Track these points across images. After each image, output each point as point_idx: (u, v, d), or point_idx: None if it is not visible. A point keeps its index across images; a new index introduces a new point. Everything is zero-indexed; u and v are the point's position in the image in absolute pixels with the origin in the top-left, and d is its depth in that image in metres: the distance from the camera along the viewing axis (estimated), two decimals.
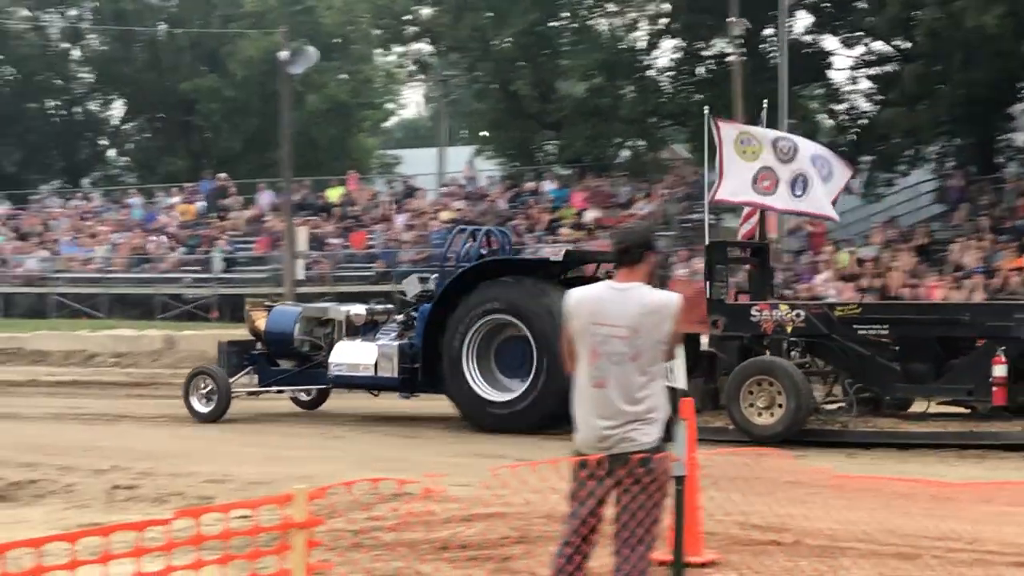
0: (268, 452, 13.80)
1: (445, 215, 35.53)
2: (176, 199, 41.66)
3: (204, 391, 16.60)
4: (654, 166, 37.55)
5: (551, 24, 39.45)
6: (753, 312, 14.68)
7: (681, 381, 7.08)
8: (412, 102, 67.16)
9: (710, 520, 8.46)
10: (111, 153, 57.13)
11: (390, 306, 17.83)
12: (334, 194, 38.89)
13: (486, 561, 8.01)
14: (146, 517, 9.55)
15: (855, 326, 14.28)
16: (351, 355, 16.35)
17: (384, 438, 14.96)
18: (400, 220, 36.41)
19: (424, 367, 15.80)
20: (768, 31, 36.02)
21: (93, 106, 55.09)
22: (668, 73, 39.20)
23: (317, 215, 37.73)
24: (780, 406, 13.73)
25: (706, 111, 16.10)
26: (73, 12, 51.91)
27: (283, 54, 34.01)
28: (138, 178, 51.91)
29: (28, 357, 27.65)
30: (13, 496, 10.73)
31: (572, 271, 16.37)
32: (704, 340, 15.05)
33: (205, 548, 4.29)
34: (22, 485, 11.14)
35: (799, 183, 15.48)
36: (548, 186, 36.30)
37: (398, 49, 43.78)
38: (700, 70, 38.49)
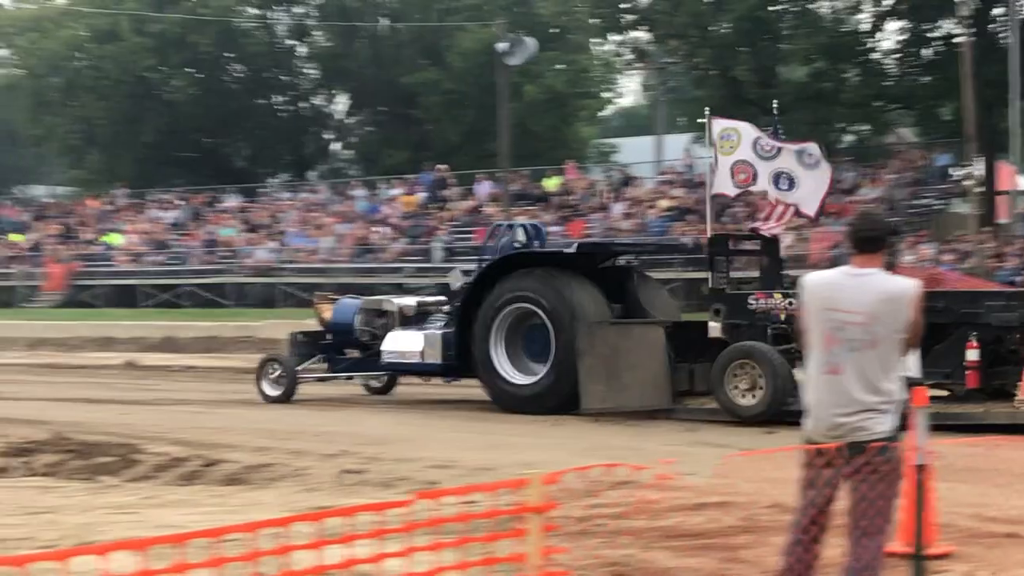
0: (490, 439, 13.94)
1: (663, 203, 35.35)
2: (398, 190, 42.47)
3: (273, 376, 17.83)
4: (879, 151, 36.69)
5: (771, 8, 38.88)
6: (751, 300, 15.37)
7: (915, 369, 6.94)
8: (629, 90, 66.97)
9: (943, 511, 8.20)
10: (336, 146, 58.60)
11: (441, 298, 18.55)
12: (551, 184, 39.08)
13: (713, 550, 7.92)
14: (373, 500, 9.76)
15: None
16: (401, 343, 17.39)
17: (605, 426, 14.93)
18: (617, 209, 36.37)
19: (459, 353, 16.76)
20: (998, 10, 34.79)
21: (318, 101, 56.56)
22: (893, 56, 38.23)
23: (535, 205, 37.97)
24: (761, 388, 14.55)
25: (706, 112, 17.28)
26: (299, 10, 53.33)
27: (502, 45, 34.32)
28: (361, 170, 53.10)
29: (259, 345, 28.51)
30: (248, 479, 11.06)
31: (605, 262, 17.33)
32: (715, 326, 15.60)
33: (442, 531, 4.35)
34: (256, 469, 11.47)
35: (783, 179, 16.15)
36: None
37: (615, 38, 43.74)
38: (927, 52, 37.44)
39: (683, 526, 8.47)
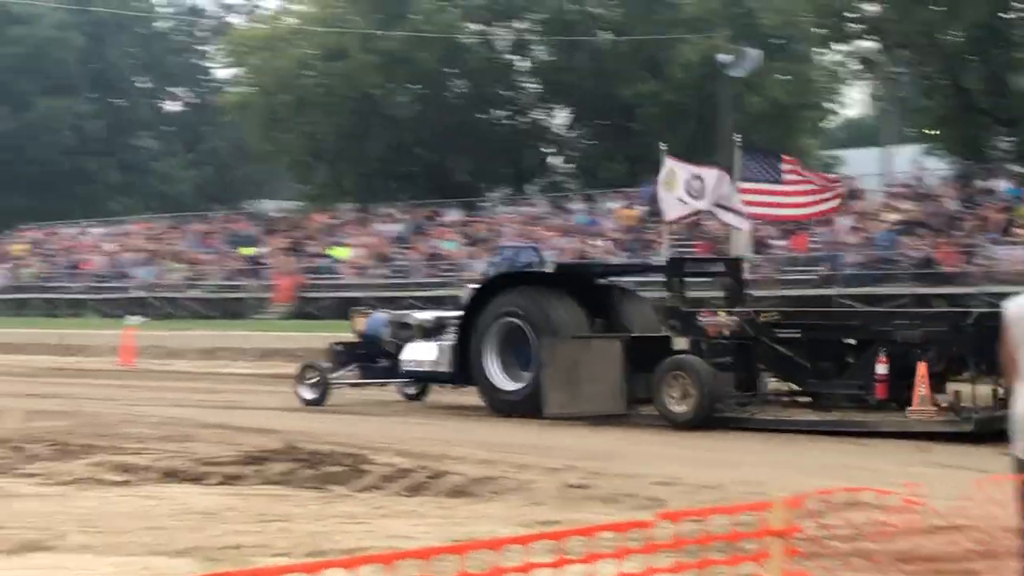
0: (715, 456, 13.77)
1: (891, 216, 34.50)
2: (617, 204, 42.45)
3: (311, 382, 19.47)
4: None
5: (1004, 16, 37.62)
6: (699, 318, 16.92)
7: None
8: (855, 101, 65.64)
9: None
10: (555, 160, 58.93)
11: (459, 312, 19.50)
12: None
13: (950, 575, 7.65)
14: (598, 516, 9.73)
15: (775, 329, 16.45)
16: (418, 353, 19.16)
17: (834, 445, 14.60)
18: (844, 222, 35.63)
19: (461, 363, 18.38)
20: None
21: (538, 115, 56.99)
22: None
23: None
24: (691, 396, 15.92)
25: (662, 147, 20.86)
26: (520, 25, 53.85)
27: (724, 57, 34.02)
28: (580, 183, 53.27)
29: None
30: (473, 492, 11.14)
31: (606, 279, 19.69)
32: (680, 341, 17.41)
33: (682, 551, 4.28)
34: (481, 481, 11.55)
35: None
36: (1002, 185, 34.60)
37: (840, 47, 42.93)
38: None
39: (919, 550, 8.19)
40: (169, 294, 47.04)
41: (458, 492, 11.10)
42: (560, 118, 57.17)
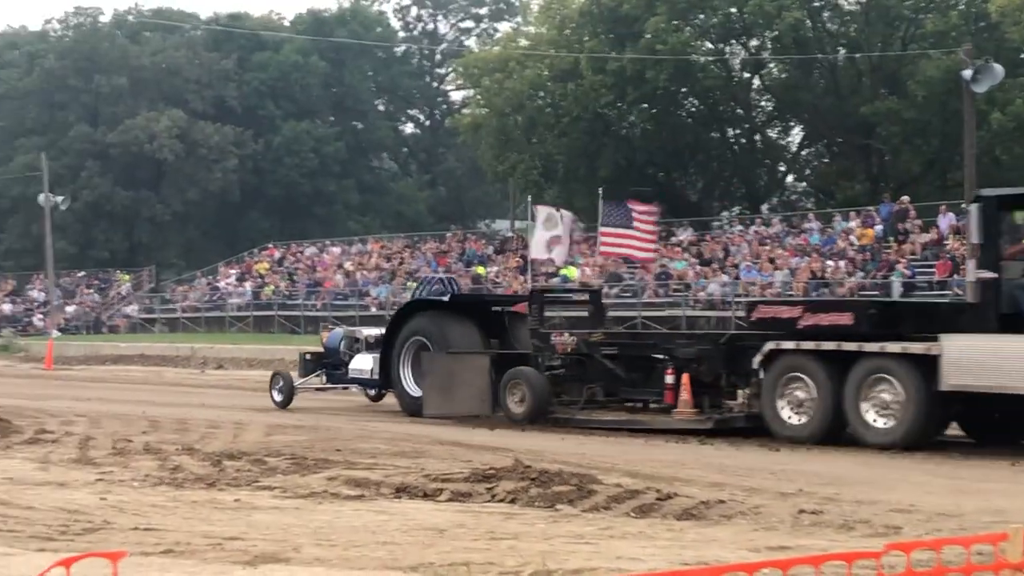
0: (957, 483, 13.32)
1: None
2: (854, 223, 41.55)
3: (279, 387, 23.26)
4: None
5: None
6: (552, 338, 20.29)
7: None
8: None
9: None
10: (789, 179, 58.06)
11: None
12: (1021, 216, 37.07)
13: None
14: (831, 543, 9.52)
15: (601, 347, 19.89)
16: (360, 363, 22.89)
17: None
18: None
19: (385, 372, 22.12)
20: None
21: (772, 133, 56.28)
22: None
23: (1002, 237, 36.07)
24: (524, 400, 19.61)
25: (528, 199, 22.54)
26: (754, 43, 53.32)
27: (967, 72, 33.01)
28: (815, 203, 52.34)
29: None
30: (703, 515, 11.03)
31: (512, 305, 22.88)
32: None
33: None
34: (710, 504, 11.43)
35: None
36: None
37: None
38: None
39: None
40: None
41: (687, 515, 11.00)
42: (795, 136, 56.35)
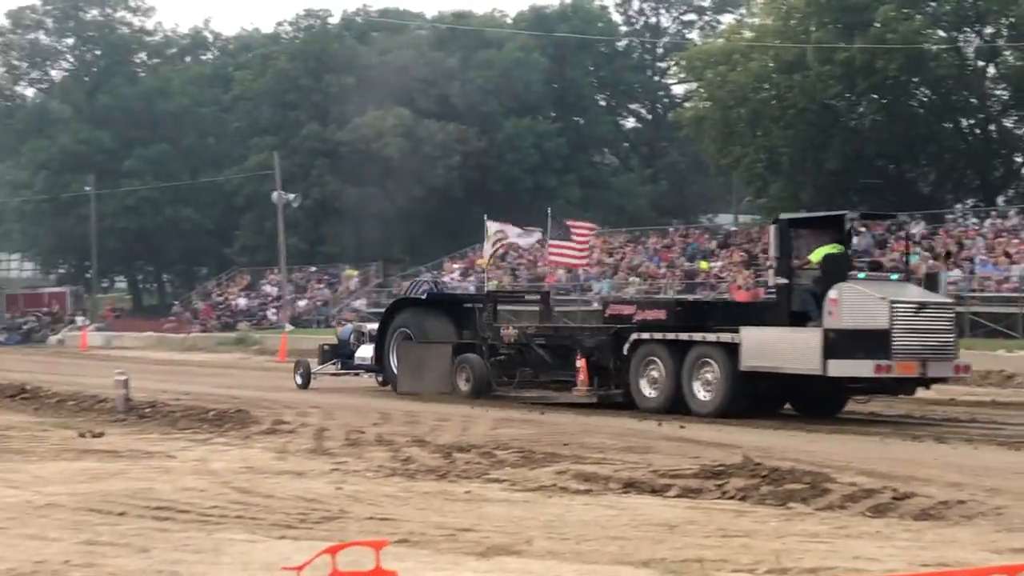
0: None
1: None
2: None
3: (300, 372, 27.91)
4: None
5: None
6: (501, 330, 24.40)
7: None
8: None
9: None
10: None
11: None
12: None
13: None
14: None
15: (535, 338, 24.05)
16: (363, 352, 27.38)
17: None
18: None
19: (379, 359, 26.54)
20: None
21: (1008, 123, 54.35)
22: None
23: None
24: (468, 380, 24.03)
25: (485, 218, 29.69)
26: (989, 30, 51.59)
27: None
28: None
29: None
30: (942, 515, 10.72)
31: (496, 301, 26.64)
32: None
33: None
34: (950, 505, 11.11)
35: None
36: None
37: None
38: None
39: None
40: None
41: (925, 515, 10.70)
42: None
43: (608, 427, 18.14)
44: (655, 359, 21.07)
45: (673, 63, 72.43)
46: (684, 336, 20.77)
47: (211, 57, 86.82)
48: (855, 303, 18.81)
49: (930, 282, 20.97)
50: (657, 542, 9.33)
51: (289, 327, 54.33)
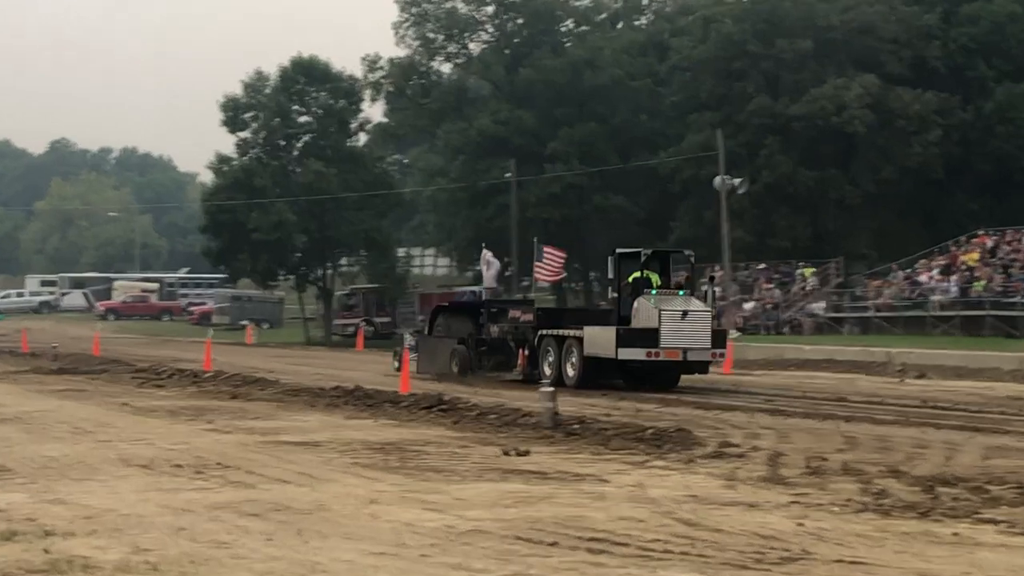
0: None
1: None
2: None
3: (396, 358, 40.08)
4: None
5: None
6: (488, 328, 36.56)
7: None
8: None
9: None
10: None
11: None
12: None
13: None
14: None
15: (507, 334, 35.82)
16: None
17: None
18: None
19: (419, 348, 39.63)
20: None
21: None
22: None
23: None
24: (457, 365, 36.38)
25: (483, 247, 46.93)
26: None
27: None
28: None
29: None
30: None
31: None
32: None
33: None
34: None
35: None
36: None
37: None
38: None
39: None
40: None
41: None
42: None
43: None
44: (550, 348, 33.58)
45: None
46: (560, 332, 33.60)
47: (645, 22, 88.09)
48: (641, 310, 31.35)
49: (703, 297, 33.54)
50: None
51: (735, 333, 54.45)
